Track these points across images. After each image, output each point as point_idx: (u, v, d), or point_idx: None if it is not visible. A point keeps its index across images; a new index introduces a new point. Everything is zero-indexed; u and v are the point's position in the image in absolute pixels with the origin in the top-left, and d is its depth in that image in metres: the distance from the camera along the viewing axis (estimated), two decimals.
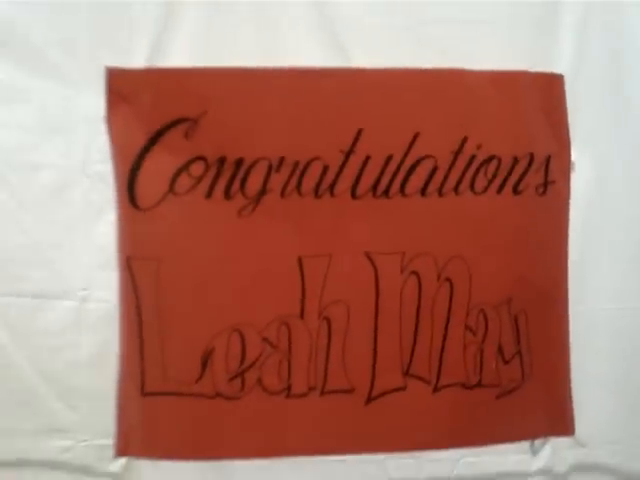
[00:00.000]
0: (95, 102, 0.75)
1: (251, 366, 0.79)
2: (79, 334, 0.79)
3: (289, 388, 0.80)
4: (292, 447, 0.81)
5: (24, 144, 0.77)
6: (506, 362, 0.85)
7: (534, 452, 0.88)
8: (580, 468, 0.90)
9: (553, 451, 0.88)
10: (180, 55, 0.77)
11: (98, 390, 0.79)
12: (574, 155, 0.85)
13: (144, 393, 0.78)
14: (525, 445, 0.88)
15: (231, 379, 0.79)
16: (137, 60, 0.76)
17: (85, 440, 0.80)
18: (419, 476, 0.86)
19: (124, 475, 0.80)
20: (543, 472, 0.88)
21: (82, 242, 0.78)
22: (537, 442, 0.88)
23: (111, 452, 0.79)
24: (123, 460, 0.80)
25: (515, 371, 0.85)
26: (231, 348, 0.78)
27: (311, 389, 0.81)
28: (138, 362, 0.78)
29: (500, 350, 0.84)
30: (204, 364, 0.78)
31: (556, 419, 0.88)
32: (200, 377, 0.78)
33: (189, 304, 0.78)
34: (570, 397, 0.87)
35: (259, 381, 0.79)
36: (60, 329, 0.79)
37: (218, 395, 0.79)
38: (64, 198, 0.78)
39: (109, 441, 0.79)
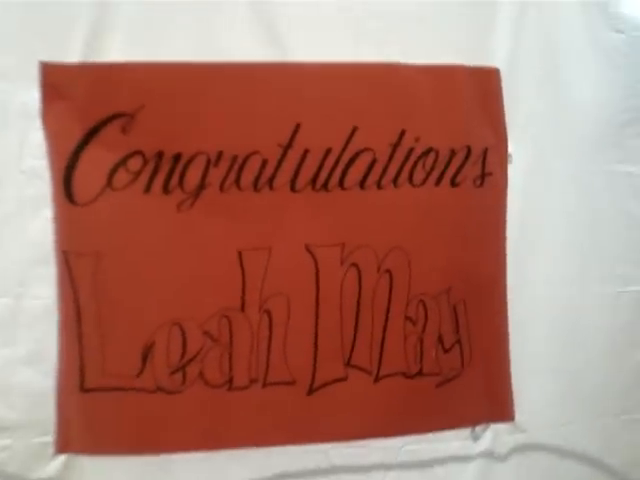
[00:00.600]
0: (30, 97, 0.75)
1: (192, 360, 0.80)
2: (16, 331, 0.78)
3: (231, 381, 0.81)
4: (235, 439, 0.82)
5: None
6: (446, 351, 0.88)
7: (475, 438, 0.91)
8: (520, 449, 0.92)
9: (494, 437, 0.91)
10: (116, 50, 0.77)
11: (37, 387, 0.79)
12: (511, 147, 0.88)
13: (84, 389, 0.79)
14: (466, 431, 0.90)
15: (172, 373, 0.79)
16: (72, 55, 0.76)
17: (24, 438, 0.79)
18: (363, 464, 0.87)
19: (64, 476, 0.79)
20: (484, 454, 0.91)
21: (17, 238, 0.78)
22: (478, 428, 0.91)
23: (51, 450, 0.79)
24: (63, 458, 0.80)
25: (455, 359, 0.88)
26: (172, 342, 0.79)
27: (253, 381, 0.82)
28: (77, 358, 0.78)
29: (440, 339, 0.87)
30: (144, 358, 0.79)
31: (496, 405, 0.91)
32: (141, 372, 0.79)
33: (128, 299, 0.79)
34: (509, 383, 0.90)
35: (201, 374, 0.80)
36: None
37: (159, 389, 0.79)
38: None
39: (49, 438, 0.79)
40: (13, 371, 0.80)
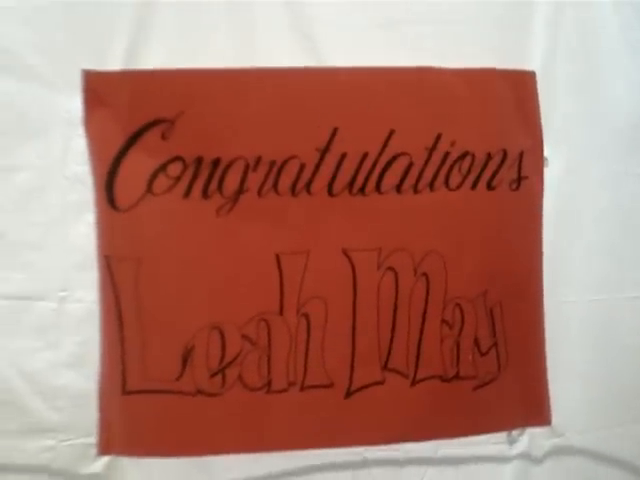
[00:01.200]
0: (73, 104, 0.79)
1: (231, 363, 0.83)
2: (59, 334, 0.82)
3: (269, 384, 0.84)
4: (273, 442, 0.85)
5: (2, 147, 0.80)
6: (482, 354, 0.90)
7: (511, 442, 0.93)
8: (556, 453, 0.93)
9: (530, 440, 0.93)
10: (156, 57, 0.81)
11: (80, 390, 0.83)
12: (547, 151, 0.90)
13: (125, 392, 0.82)
14: (502, 435, 0.92)
15: (212, 376, 0.83)
16: (114, 62, 0.80)
17: (68, 440, 0.83)
18: (398, 468, 0.91)
19: (107, 474, 0.83)
20: (520, 457, 0.92)
21: (61, 243, 0.82)
22: (514, 432, 0.93)
23: (94, 451, 0.83)
24: (106, 459, 0.83)
25: (491, 363, 0.91)
26: (211, 345, 0.82)
27: (291, 384, 0.85)
28: (119, 361, 0.82)
29: (476, 342, 0.89)
30: (185, 362, 0.82)
31: (533, 409, 0.93)
32: (181, 375, 0.82)
33: (169, 303, 0.82)
34: (546, 387, 0.93)
35: (240, 377, 0.83)
36: (40, 330, 0.82)
37: (199, 392, 0.82)
38: (42, 200, 0.81)
39: (92, 440, 0.82)
40: (57, 374, 0.83)
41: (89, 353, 0.82)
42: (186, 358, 0.81)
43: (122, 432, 0.83)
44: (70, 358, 0.82)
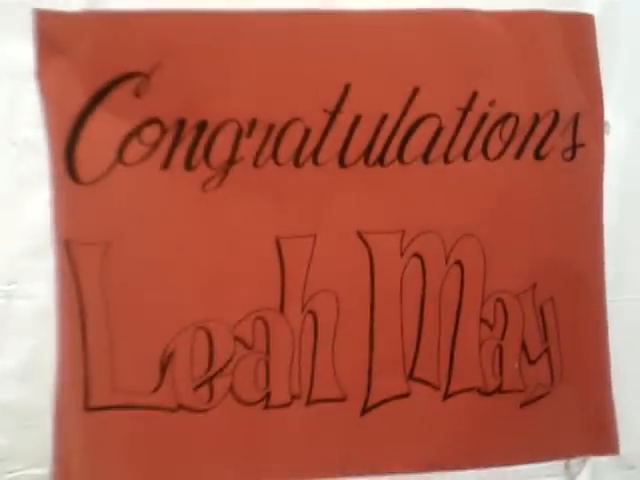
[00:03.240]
0: (22, 53, 0.81)
1: (221, 371, 0.85)
2: (4, 339, 0.85)
3: (268, 397, 0.87)
4: (272, 469, 0.88)
5: None
6: (531, 362, 0.93)
7: (569, 475, 0.96)
8: None
9: (593, 473, 0.96)
10: None
11: (30, 407, 0.85)
12: (607, 114, 0.94)
13: (88, 407, 0.84)
14: (558, 466, 0.96)
15: (197, 387, 0.85)
16: (74, 1, 0.82)
17: (14, 470, 0.86)
18: None
19: None
20: None
21: (8, 225, 0.84)
22: (573, 462, 0.96)
23: None
24: None
25: (543, 373, 0.93)
26: (196, 350, 0.84)
27: (294, 398, 0.87)
28: (80, 370, 0.83)
29: (524, 348, 0.92)
30: (163, 370, 0.84)
31: (595, 433, 0.96)
32: (158, 386, 0.84)
33: (143, 297, 0.84)
34: (611, 405, 0.95)
35: (231, 389, 0.86)
36: None
37: (181, 407, 0.85)
38: None
39: (45, 470, 0.84)
40: (2, 387, 0.86)
41: (42, 361, 0.83)
42: (165, 365, 0.84)
43: (84, 459, 0.85)
44: (19, 368, 0.85)
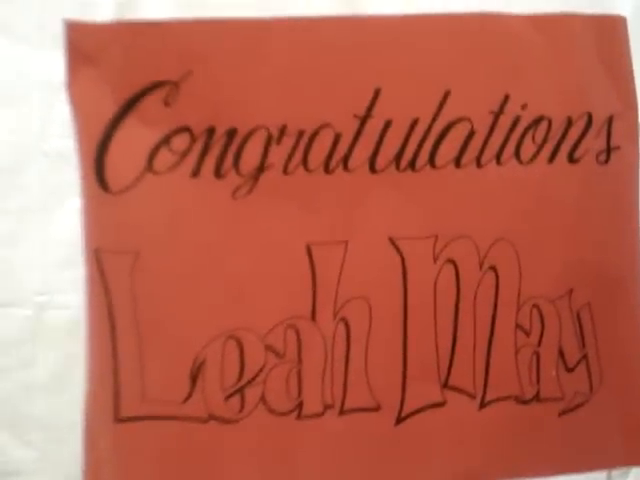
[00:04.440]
0: (53, 64, 0.81)
1: (252, 381, 0.84)
2: (35, 349, 0.85)
3: (300, 407, 0.86)
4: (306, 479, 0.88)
5: None
6: (569, 370, 0.91)
7: None
8: None
9: None
10: (156, 5, 0.84)
11: (59, 419, 0.84)
12: None
13: (118, 419, 0.83)
14: (600, 477, 0.94)
15: (228, 397, 0.84)
16: (104, 12, 0.82)
17: None
18: None
19: None
20: None
21: (39, 235, 0.84)
22: (615, 473, 0.93)
23: None
24: None
25: (582, 381, 0.91)
26: (227, 359, 0.84)
27: (327, 408, 0.86)
28: (110, 381, 0.83)
29: (561, 355, 0.91)
30: (194, 380, 0.83)
31: (637, 443, 0.94)
32: (189, 396, 0.83)
33: (174, 306, 0.83)
34: None
35: (262, 399, 0.85)
36: (12, 344, 0.84)
37: (212, 418, 0.84)
38: (16, 182, 0.83)
39: None
40: (31, 399, 0.85)
41: (72, 372, 0.83)
42: (195, 375, 0.83)
43: (114, 471, 0.84)
44: (48, 379, 0.84)
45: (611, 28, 0.90)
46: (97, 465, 0.84)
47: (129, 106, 0.81)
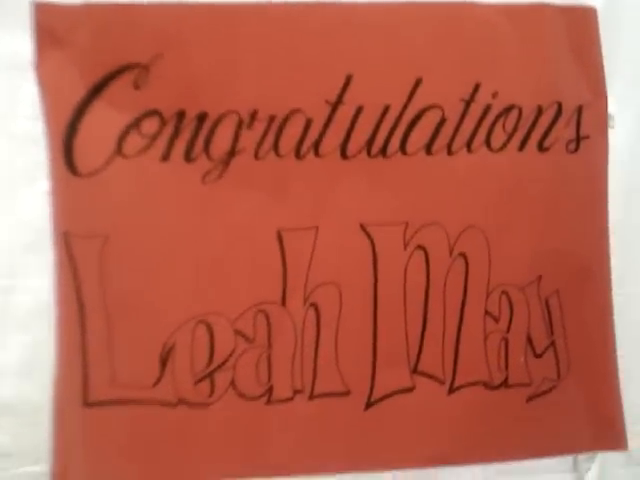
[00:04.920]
0: (21, 45, 0.81)
1: (222, 365, 0.85)
2: (3, 334, 0.84)
3: (270, 392, 0.86)
4: (276, 464, 0.87)
5: None
6: (538, 356, 0.92)
7: (579, 472, 0.95)
8: None
9: (601, 470, 0.95)
10: None
11: (28, 403, 0.84)
12: (612, 107, 0.93)
13: (87, 403, 0.83)
14: (566, 462, 0.95)
15: (197, 382, 0.84)
16: None
17: (14, 467, 0.85)
18: None
19: None
20: None
21: (5, 218, 0.83)
22: (581, 458, 0.95)
23: None
24: None
25: (549, 367, 0.92)
26: (196, 344, 0.84)
27: (297, 392, 0.87)
28: (79, 365, 0.83)
29: (529, 341, 0.92)
30: (163, 364, 0.83)
31: (602, 428, 0.95)
32: (158, 380, 0.83)
33: (143, 291, 0.83)
34: (619, 400, 0.94)
35: (232, 384, 0.85)
36: None
37: (181, 402, 0.84)
38: None
39: (44, 467, 0.83)
40: (1, 384, 0.85)
41: (41, 356, 0.83)
42: (165, 360, 0.83)
43: (83, 455, 0.84)
44: (18, 364, 0.84)
45: (582, 19, 0.91)
46: (66, 448, 0.84)
47: (98, 89, 0.81)
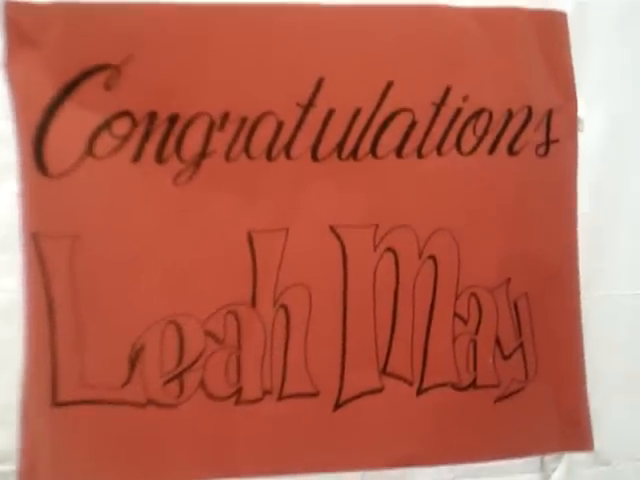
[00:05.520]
0: None
1: (191, 366, 0.85)
2: None
3: (239, 392, 0.87)
4: (244, 466, 0.88)
5: None
6: (506, 357, 0.93)
7: (546, 472, 0.96)
8: None
9: (568, 470, 0.96)
10: None
11: None
12: (581, 110, 0.95)
13: (56, 403, 0.83)
14: (533, 462, 0.96)
15: (166, 382, 0.85)
16: None
17: None
18: None
19: None
20: None
21: None
22: (548, 458, 0.96)
23: None
24: None
25: (517, 369, 0.94)
26: (166, 344, 0.84)
27: (266, 393, 0.87)
28: (48, 365, 0.83)
29: (498, 343, 0.93)
30: (132, 365, 0.84)
31: (570, 429, 0.96)
32: (128, 381, 0.84)
33: (113, 291, 0.84)
34: (585, 401, 0.96)
35: (202, 384, 0.86)
36: None
37: (150, 402, 0.85)
38: None
39: (12, 467, 0.84)
40: None
41: (9, 356, 0.83)
42: (134, 360, 0.84)
43: (51, 455, 0.84)
44: None
45: (552, 23, 0.92)
46: (34, 448, 0.84)
47: (69, 89, 0.81)
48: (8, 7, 0.80)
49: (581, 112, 0.95)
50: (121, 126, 0.82)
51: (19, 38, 0.81)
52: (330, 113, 0.85)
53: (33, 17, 0.81)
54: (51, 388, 0.83)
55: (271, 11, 0.85)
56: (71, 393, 0.83)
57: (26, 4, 0.80)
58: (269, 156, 0.85)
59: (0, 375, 0.84)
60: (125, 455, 0.86)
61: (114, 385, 0.84)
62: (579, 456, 0.97)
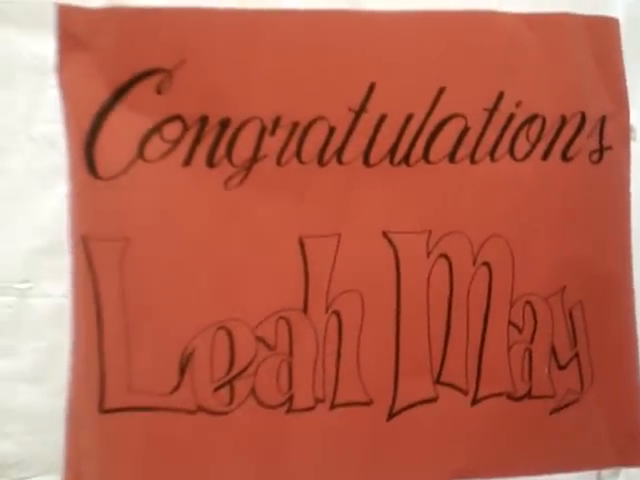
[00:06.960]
0: (44, 48, 0.81)
1: (242, 373, 0.84)
2: (17, 340, 0.84)
3: (290, 400, 0.86)
4: (294, 475, 0.87)
5: None
6: (561, 367, 0.92)
7: None
8: None
9: None
10: None
11: (41, 409, 0.84)
12: (633, 118, 0.94)
13: (104, 410, 0.82)
14: (590, 477, 0.95)
15: (217, 389, 0.84)
16: None
17: (26, 477, 0.85)
18: None
19: None
20: None
21: (23, 221, 0.84)
22: (604, 473, 0.95)
23: None
24: None
25: (573, 379, 0.93)
26: (216, 350, 0.83)
27: (318, 401, 0.86)
28: (96, 371, 0.82)
29: (553, 352, 0.92)
30: (182, 371, 0.83)
31: (627, 442, 0.95)
32: (177, 387, 0.83)
33: (163, 296, 0.83)
34: None
35: (252, 392, 0.85)
36: None
37: (200, 409, 0.84)
38: (1, 166, 0.83)
39: (57, 477, 0.83)
40: (13, 390, 0.84)
41: (56, 362, 0.82)
42: (184, 366, 0.83)
43: (98, 464, 0.83)
44: (31, 368, 0.84)
45: (604, 29, 0.92)
46: (80, 457, 0.83)
47: (120, 93, 0.81)
48: (61, 12, 0.80)
49: (633, 120, 0.94)
50: (172, 130, 0.82)
51: (71, 43, 0.81)
52: (382, 118, 0.85)
53: (86, 22, 0.81)
54: (99, 395, 0.82)
55: (322, 17, 0.85)
56: (119, 400, 0.82)
57: (79, 9, 0.80)
58: (321, 161, 0.85)
59: (47, 383, 0.84)
60: (173, 463, 0.84)
61: (163, 391, 0.83)
62: (637, 472, 0.95)
